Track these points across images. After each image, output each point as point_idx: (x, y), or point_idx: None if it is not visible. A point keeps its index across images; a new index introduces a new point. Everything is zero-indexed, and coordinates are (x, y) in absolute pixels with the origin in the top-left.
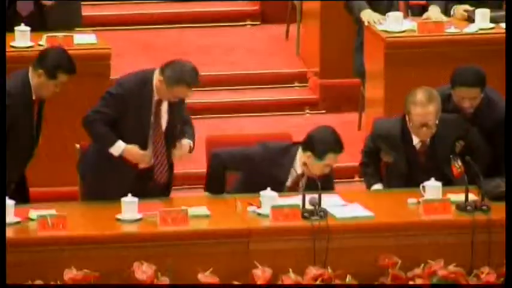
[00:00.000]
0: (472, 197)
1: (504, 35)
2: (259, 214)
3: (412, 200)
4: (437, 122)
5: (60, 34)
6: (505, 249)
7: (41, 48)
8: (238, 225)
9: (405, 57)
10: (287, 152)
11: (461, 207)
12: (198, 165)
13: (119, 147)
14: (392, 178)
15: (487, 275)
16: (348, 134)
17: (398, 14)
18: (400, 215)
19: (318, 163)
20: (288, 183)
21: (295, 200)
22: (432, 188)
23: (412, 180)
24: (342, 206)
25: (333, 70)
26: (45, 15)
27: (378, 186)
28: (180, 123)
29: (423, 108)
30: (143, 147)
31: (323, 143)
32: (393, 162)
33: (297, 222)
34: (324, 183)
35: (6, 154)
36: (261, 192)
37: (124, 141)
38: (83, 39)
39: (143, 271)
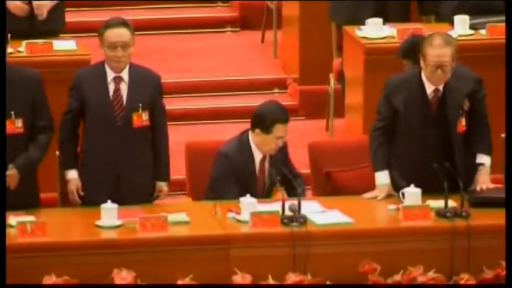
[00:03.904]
0: (451, 203)
1: (484, 41)
2: (238, 220)
3: (391, 206)
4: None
5: (39, 40)
6: (505, 249)
7: (20, 54)
8: (218, 232)
9: (385, 64)
10: (243, 144)
11: (440, 213)
12: (177, 171)
13: (66, 174)
14: (403, 138)
15: (467, 281)
16: None
17: (378, 20)
18: (379, 221)
19: (268, 137)
20: (257, 171)
21: (275, 206)
22: (412, 194)
23: (424, 137)
24: (321, 212)
25: (312, 76)
26: (34, 20)
27: (382, 177)
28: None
29: (440, 49)
30: (111, 127)
31: (267, 116)
32: (406, 116)
33: (277, 229)
34: (280, 155)
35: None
36: (241, 199)
37: (94, 124)
38: (63, 45)
39: (123, 277)
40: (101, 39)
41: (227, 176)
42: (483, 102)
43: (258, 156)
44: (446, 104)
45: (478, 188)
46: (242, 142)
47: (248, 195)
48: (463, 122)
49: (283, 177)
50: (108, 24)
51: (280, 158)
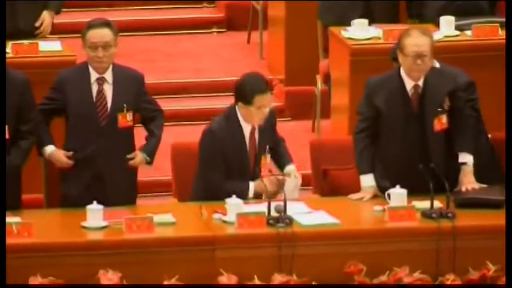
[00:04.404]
0: (437, 204)
1: (470, 42)
2: (224, 221)
3: (377, 207)
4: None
5: (25, 42)
6: (505, 249)
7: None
8: (204, 233)
9: (370, 65)
10: (231, 117)
11: (426, 214)
12: (163, 172)
13: (45, 151)
14: (385, 137)
15: (452, 281)
16: None
17: (364, 21)
18: (365, 222)
19: (251, 109)
20: (248, 143)
21: (261, 207)
22: (397, 195)
23: (406, 136)
24: (307, 213)
25: (298, 77)
26: (18, 21)
27: (367, 179)
28: (141, 110)
29: (418, 38)
30: (95, 127)
31: (247, 88)
32: (388, 116)
33: (263, 230)
34: (268, 124)
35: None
36: (227, 200)
37: (77, 124)
38: (48, 46)
39: (108, 278)
40: (83, 40)
41: (213, 153)
42: (473, 103)
43: (247, 128)
44: (425, 101)
45: (463, 189)
46: (230, 116)
47: (239, 181)
48: (442, 120)
49: (272, 147)
50: (90, 25)
51: (268, 126)
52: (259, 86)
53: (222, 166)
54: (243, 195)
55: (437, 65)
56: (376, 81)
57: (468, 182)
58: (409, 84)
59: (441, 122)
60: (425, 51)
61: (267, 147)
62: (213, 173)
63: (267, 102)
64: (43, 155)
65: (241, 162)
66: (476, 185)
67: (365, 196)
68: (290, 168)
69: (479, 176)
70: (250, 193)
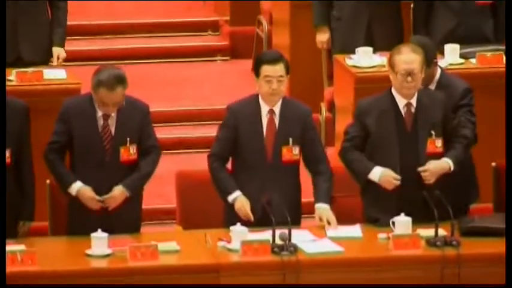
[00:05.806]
0: (441, 232)
1: (474, 70)
2: (229, 249)
3: (382, 235)
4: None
5: (29, 69)
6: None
7: (10, 83)
8: (208, 260)
9: (375, 92)
10: (253, 97)
11: (431, 242)
12: (168, 200)
13: (73, 189)
14: (378, 159)
15: None
16: None
17: (368, 49)
18: (370, 250)
19: (260, 81)
20: (264, 125)
21: (265, 235)
22: (402, 223)
23: (400, 157)
24: (311, 241)
25: None
26: (19, 49)
27: (377, 170)
28: (138, 143)
29: (408, 55)
30: (100, 161)
31: (258, 58)
32: (380, 135)
33: (267, 257)
34: (297, 118)
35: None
36: (231, 228)
37: (81, 157)
38: (53, 74)
39: None
40: (93, 91)
41: (224, 127)
42: (471, 108)
43: (264, 108)
44: (418, 119)
45: (426, 167)
46: (252, 96)
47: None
48: (435, 143)
49: (302, 142)
50: (102, 82)
51: (296, 120)
52: (268, 56)
53: (227, 144)
54: (222, 195)
55: (439, 71)
56: (367, 102)
57: (434, 165)
58: (401, 102)
59: (434, 145)
60: (415, 69)
61: (290, 139)
62: (216, 146)
63: (274, 75)
64: (69, 193)
65: (256, 145)
66: (435, 169)
67: (392, 183)
68: (319, 207)
69: (455, 186)
70: (230, 199)
